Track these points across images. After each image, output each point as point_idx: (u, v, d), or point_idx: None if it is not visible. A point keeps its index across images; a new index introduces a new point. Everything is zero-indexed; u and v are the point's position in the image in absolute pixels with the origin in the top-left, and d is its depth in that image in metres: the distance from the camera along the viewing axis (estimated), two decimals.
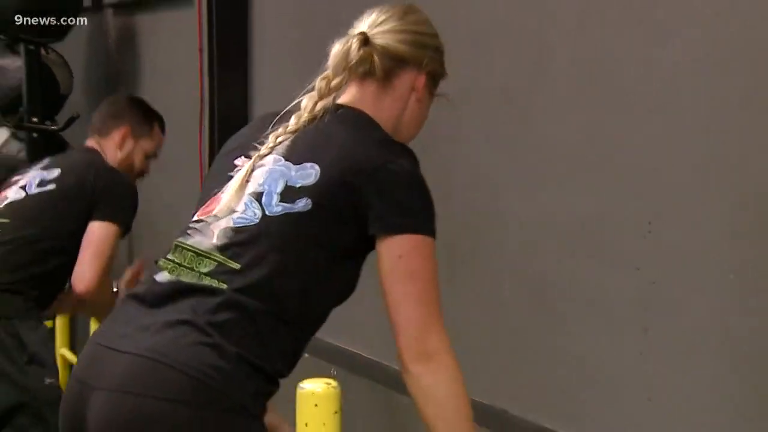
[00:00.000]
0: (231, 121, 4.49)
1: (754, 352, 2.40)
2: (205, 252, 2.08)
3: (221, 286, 2.02)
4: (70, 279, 3.48)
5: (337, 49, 2.20)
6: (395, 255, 2.06)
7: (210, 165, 4.50)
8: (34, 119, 5.30)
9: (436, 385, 2.05)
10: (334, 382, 1.58)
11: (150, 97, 5.25)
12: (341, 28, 3.76)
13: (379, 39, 2.18)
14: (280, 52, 4.30)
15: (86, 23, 5.64)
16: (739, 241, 2.44)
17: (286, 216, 2.06)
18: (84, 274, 3.38)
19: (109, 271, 3.45)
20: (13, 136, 5.43)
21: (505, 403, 3.10)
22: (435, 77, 2.30)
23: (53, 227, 3.48)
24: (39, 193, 3.52)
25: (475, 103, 3.21)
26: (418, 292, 2.06)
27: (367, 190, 2.05)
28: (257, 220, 2.07)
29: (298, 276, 2.07)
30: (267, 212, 2.07)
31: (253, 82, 4.49)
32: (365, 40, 2.18)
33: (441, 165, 3.37)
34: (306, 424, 1.48)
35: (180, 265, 2.09)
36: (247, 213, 2.09)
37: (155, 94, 5.22)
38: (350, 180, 2.06)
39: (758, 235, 2.39)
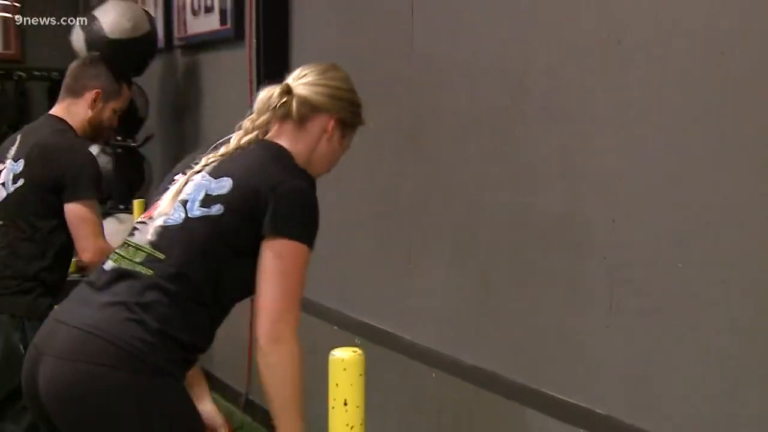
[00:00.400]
0: None
1: (698, 320, 2.38)
2: (140, 245, 2.15)
3: (148, 272, 2.09)
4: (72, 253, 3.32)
5: (262, 95, 2.30)
6: (276, 253, 2.10)
7: None
8: (119, 138, 5.32)
9: (281, 363, 2.09)
10: (359, 350, 1.57)
11: (209, 119, 5.29)
12: (364, 70, 3.76)
13: (299, 89, 2.27)
14: None
15: (159, 61, 5.64)
16: (683, 234, 2.43)
17: (203, 219, 2.13)
18: (86, 247, 3.20)
19: (103, 234, 3.27)
20: (102, 151, 5.45)
21: (496, 366, 3.09)
22: (345, 123, 2.36)
23: (39, 215, 3.23)
24: (16, 190, 3.25)
25: (470, 123, 3.21)
26: (283, 289, 2.10)
27: (266, 199, 2.11)
28: (181, 221, 2.15)
29: (211, 267, 2.12)
30: (189, 215, 2.15)
31: None
32: (288, 89, 2.26)
33: (446, 171, 3.36)
34: (336, 385, 1.48)
35: (123, 257, 2.16)
36: (174, 215, 2.16)
37: (213, 117, 5.24)
38: (255, 190, 2.13)
39: (699, 233, 2.38)
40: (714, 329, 2.35)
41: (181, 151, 5.63)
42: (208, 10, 5.13)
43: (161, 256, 2.12)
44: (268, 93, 2.31)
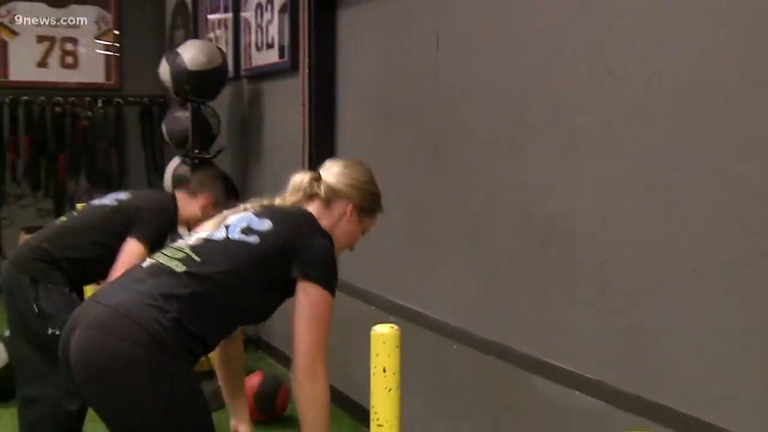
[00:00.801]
0: (322, 152, 4.50)
1: (673, 301, 2.35)
2: (182, 248, 2.15)
3: (181, 269, 2.06)
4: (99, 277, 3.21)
5: (296, 178, 2.31)
6: (310, 300, 2.10)
7: None
8: (196, 151, 5.35)
9: (316, 395, 2.11)
10: (395, 326, 1.56)
11: (269, 135, 5.30)
12: (397, 94, 3.74)
13: (327, 177, 2.29)
14: (357, 106, 4.30)
15: (229, 88, 5.66)
16: (661, 230, 2.41)
17: (240, 242, 2.12)
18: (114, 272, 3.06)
19: None
20: (182, 161, 5.48)
21: (506, 339, 3.07)
22: (363, 209, 2.34)
23: (102, 232, 3.19)
24: (101, 206, 3.27)
25: (484, 138, 3.19)
26: (317, 334, 2.10)
27: (297, 246, 2.12)
28: (221, 239, 2.14)
29: (235, 284, 2.09)
30: (229, 236, 2.14)
31: (337, 127, 4.50)
32: (318, 177, 2.28)
33: (465, 178, 3.35)
34: (377, 354, 1.48)
35: (163, 254, 2.15)
36: (216, 234, 2.16)
37: (272, 133, 5.25)
38: (289, 237, 2.13)
39: (673, 229, 2.36)
40: (685, 307, 2.33)
41: (246, 160, 5.66)
42: (269, 46, 5.14)
43: (197, 259, 2.10)
44: (301, 177, 2.32)
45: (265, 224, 2.16)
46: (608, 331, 2.61)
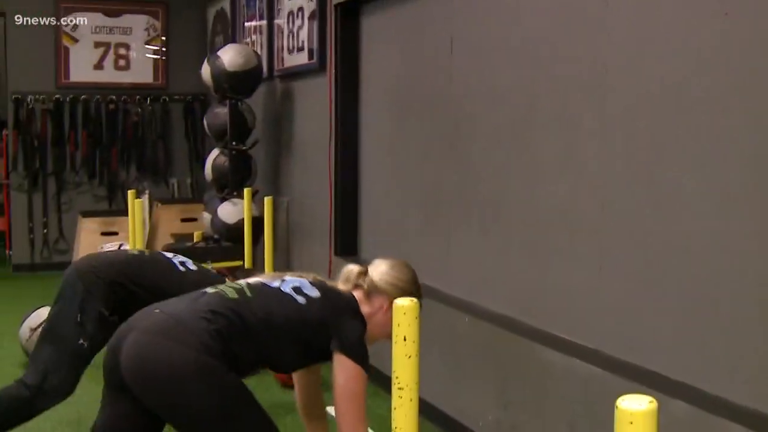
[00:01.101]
0: (348, 140, 4.51)
1: (663, 275, 2.32)
2: (240, 283, 2.18)
3: (234, 297, 2.09)
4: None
5: (346, 270, 2.30)
6: (346, 374, 2.07)
7: (336, 169, 4.52)
8: (234, 143, 5.35)
9: None
10: (415, 300, 1.56)
11: (299, 129, 5.30)
12: (415, 93, 3.72)
13: (372, 274, 2.26)
14: (379, 103, 4.28)
15: (264, 87, 5.65)
16: (653, 214, 2.38)
17: (289, 297, 2.13)
18: None
19: None
20: (221, 152, 5.48)
21: (512, 312, 3.06)
22: None
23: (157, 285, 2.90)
24: (168, 264, 2.98)
25: (494, 132, 3.17)
26: (357, 407, 2.08)
27: (338, 324, 2.11)
28: (275, 288, 2.14)
29: (273, 329, 2.08)
30: (281, 288, 2.14)
31: (361, 121, 4.48)
32: (365, 271, 2.26)
33: (476, 168, 3.33)
34: (398, 325, 1.48)
35: (224, 285, 2.18)
36: (272, 283, 2.17)
37: (302, 127, 5.24)
38: (331, 313, 2.13)
39: (663, 213, 2.33)
40: (675, 285, 2.31)
41: (278, 151, 5.66)
42: (300, 49, 5.12)
43: (250, 294, 2.11)
44: (351, 269, 2.29)
45: (315, 292, 2.16)
46: (605, 306, 2.59)
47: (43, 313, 4.43)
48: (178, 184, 7.47)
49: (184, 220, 6.66)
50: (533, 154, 2.95)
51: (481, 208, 3.30)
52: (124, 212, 5.29)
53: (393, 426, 1.47)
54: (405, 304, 1.52)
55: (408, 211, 3.93)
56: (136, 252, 3.21)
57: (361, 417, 2.08)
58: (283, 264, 5.31)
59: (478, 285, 3.33)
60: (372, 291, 2.23)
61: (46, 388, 2.84)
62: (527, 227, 2.99)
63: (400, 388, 1.49)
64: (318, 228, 4.78)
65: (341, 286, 2.27)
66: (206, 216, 5.51)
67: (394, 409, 1.48)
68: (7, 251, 7.41)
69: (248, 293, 2.11)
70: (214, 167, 5.47)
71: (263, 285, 2.16)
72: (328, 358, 2.12)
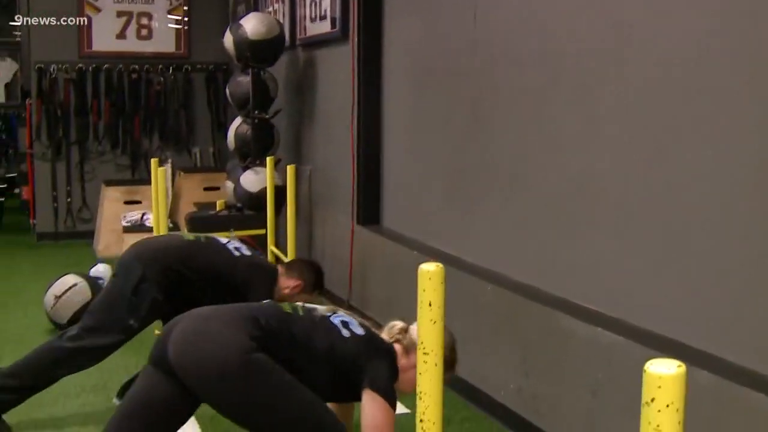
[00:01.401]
0: (370, 110, 4.51)
1: (683, 243, 2.32)
2: (296, 304, 2.41)
3: (288, 310, 2.30)
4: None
5: (391, 324, 2.39)
6: (376, 406, 2.14)
7: (358, 138, 4.53)
8: (256, 112, 5.36)
9: None
10: (440, 265, 1.57)
11: (321, 98, 5.30)
12: (438, 64, 3.71)
13: (412, 333, 2.31)
14: (401, 72, 4.28)
15: (286, 56, 5.65)
16: (673, 186, 2.37)
17: (335, 328, 2.27)
18: None
19: None
20: (244, 121, 5.50)
21: (534, 281, 3.07)
22: None
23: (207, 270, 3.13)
24: (225, 250, 3.19)
25: (516, 103, 3.17)
26: None
27: (373, 365, 2.21)
28: (326, 315, 2.32)
29: (312, 351, 2.21)
30: (331, 318, 2.31)
31: (383, 90, 4.48)
32: (405, 329, 2.36)
33: (498, 139, 3.33)
34: (424, 290, 1.48)
35: (284, 304, 2.42)
36: (324, 312, 2.35)
37: (324, 96, 5.25)
38: (370, 354, 2.24)
39: (683, 184, 2.33)
40: (697, 251, 2.31)
41: (301, 120, 5.67)
42: (322, 17, 5.11)
43: (302, 314, 2.28)
44: (394, 324, 2.39)
45: (360, 331, 2.29)
46: (627, 275, 2.60)
47: (68, 280, 4.50)
48: (200, 153, 7.51)
49: (206, 189, 6.71)
50: (556, 124, 2.95)
51: (503, 177, 3.30)
52: (147, 181, 5.31)
53: (418, 390, 1.50)
54: (430, 269, 1.52)
55: (430, 181, 3.94)
56: (192, 237, 3.33)
57: None
58: (306, 233, 5.35)
59: (500, 254, 3.34)
60: (410, 348, 2.31)
61: (86, 347, 3.02)
62: (549, 197, 2.99)
63: (425, 353, 1.51)
64: (341, 197, 4.80)
65: (384, 335, 2.37)
66: (229, 185, 5.54)
67: (420, 374, 1.50)
68: (31, 220, 7.50)
69: (300, 312, 2.29)
70: (236, 136, 5.49)
71: (314, 311, 2.32)
72: (356, 397, 2.21)
